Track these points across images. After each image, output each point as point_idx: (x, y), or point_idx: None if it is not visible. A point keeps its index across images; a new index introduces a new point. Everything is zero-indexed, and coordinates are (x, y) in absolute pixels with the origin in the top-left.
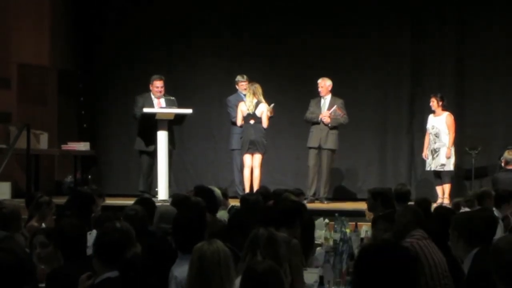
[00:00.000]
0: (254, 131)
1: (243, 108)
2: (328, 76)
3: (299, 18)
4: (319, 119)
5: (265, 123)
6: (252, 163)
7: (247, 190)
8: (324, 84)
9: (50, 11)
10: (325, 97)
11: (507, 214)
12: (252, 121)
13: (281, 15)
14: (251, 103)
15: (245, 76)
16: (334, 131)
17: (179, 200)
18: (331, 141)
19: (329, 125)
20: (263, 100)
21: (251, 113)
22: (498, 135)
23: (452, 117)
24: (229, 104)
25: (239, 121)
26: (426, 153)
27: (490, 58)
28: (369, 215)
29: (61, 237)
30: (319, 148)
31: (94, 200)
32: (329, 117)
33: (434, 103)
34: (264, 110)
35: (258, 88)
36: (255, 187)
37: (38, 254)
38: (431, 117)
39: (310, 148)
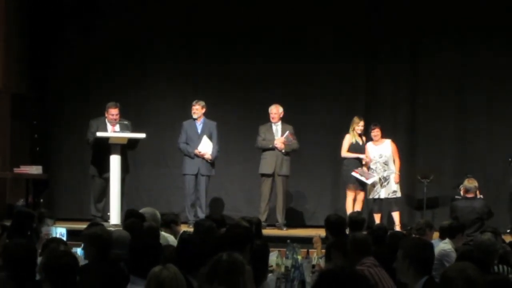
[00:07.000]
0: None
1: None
2: (282, 101)
3: (253, 43)
4: (274, 145)
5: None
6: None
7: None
8: (277, 111)
9: (4, 34)
10: (277, 123)
11: (460, 245)
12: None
13: (235, 40)
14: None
15: (195, 101)
16: (288, 157)
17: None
18: (286, 167)
19: (283, 151)
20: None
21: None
22: (449, 167)
23: (395, 143)
24: (181, 128)
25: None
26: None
27: (444, 90)
28: (317, 243)
29: (8, 258)
30: (273, 174)
31: (33, 217)
32: (284, 143)
33: (379, 132)
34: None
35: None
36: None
37: None
38: (371, 145)
39: (263, 174)
